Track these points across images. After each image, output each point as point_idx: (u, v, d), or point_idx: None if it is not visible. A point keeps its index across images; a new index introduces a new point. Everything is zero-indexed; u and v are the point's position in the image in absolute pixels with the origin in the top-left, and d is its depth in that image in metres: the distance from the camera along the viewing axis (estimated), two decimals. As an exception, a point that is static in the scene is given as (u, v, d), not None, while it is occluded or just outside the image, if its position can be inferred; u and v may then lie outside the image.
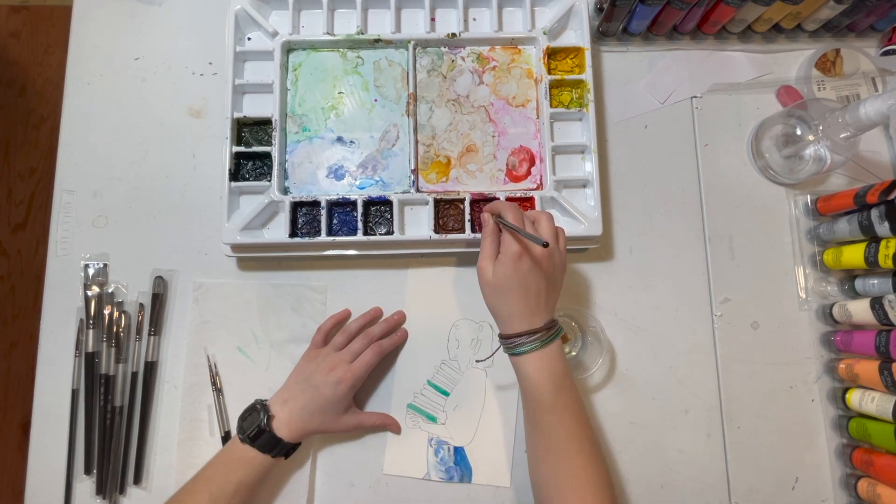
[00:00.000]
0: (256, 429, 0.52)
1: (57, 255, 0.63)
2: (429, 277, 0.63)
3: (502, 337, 0.52)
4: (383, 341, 0.59)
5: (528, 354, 0.49)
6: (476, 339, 0.62)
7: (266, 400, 0.56)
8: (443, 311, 0.63)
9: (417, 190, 0.61)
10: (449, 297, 0.63)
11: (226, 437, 0.60)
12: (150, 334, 0.61)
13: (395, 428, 0.60)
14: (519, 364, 0.51)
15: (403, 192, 0.61)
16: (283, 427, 0.53)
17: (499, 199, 0.60)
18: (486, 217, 0.53)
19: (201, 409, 0.60)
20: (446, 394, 0.61)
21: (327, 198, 0.60)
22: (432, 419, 0.61)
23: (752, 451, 0.61)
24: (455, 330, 0.62)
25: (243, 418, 0.54)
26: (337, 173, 0.63)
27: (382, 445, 0.60)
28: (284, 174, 0.62)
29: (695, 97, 0.68)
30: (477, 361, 0.59)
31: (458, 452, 0.60)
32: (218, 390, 0.60)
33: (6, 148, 1.41)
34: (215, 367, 0.61)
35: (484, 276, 0.51)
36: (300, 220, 0.61)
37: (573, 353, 0.61)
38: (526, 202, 0.61)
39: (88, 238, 0.63)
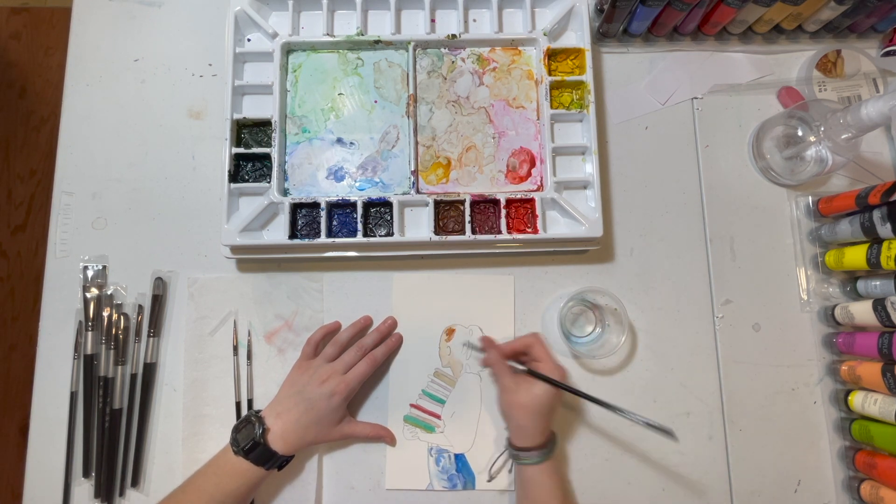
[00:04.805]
0: (251, 442, 0.52)
1: (56, 256, 0.63)
2: (414, 283, 0.63)
3: (519, 448, 0.55)
4: (376, 351, 0.59)
5: (541, 465, 0.54)
6: (467, 342, 0.62)
7: (260, 411, 0.55)
8: (431, 317, 0.62)
9: (417, 191, 0.61)
10: (435, 303, 0.63)
11: (249, 405, 0.60)
12: (149, 336, 0.61)
13: (391, 440, 0.59)
14: (532, 474, 0.54)
15: (403, 194, 0.61)
16: (277, 440, 0.53)
17: (499, 198, 0.60)
18: (494, 358, 0.57)
19: (204, 405, 0.60)
20: (442, 402, 0.61)
21: (327, 199, 0.60)
22: (430, 429, 0.60)
23: (753, 454, 0.61)
24: (445, 336, 0.62)
25: (237, 430, 0.53)
26: (337, 175, 0.62)
27: (383, 452, 0.60)
28: (284, 175, 0.62)
29: (695, 98, 0.68)
30: (488, 481, 0.59)
31: (459, 459, 0.60)
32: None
33: (6, 149, 1.41)
34: (249, 335, 0.61)
35: (520, 400, 0.54)
36: (300, 222, 0.61)
37: (598, 331, 0.61)
38: (526, 203, 0.61)
39: (88, 240, 0.63)
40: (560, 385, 0.53)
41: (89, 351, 0.60)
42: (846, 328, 0.61)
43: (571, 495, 0.58)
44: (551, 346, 0.60)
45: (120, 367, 0.60)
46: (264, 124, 0.62)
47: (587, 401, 0.54)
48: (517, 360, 0.58)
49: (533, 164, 0.63)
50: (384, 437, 0.59)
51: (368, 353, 0.59)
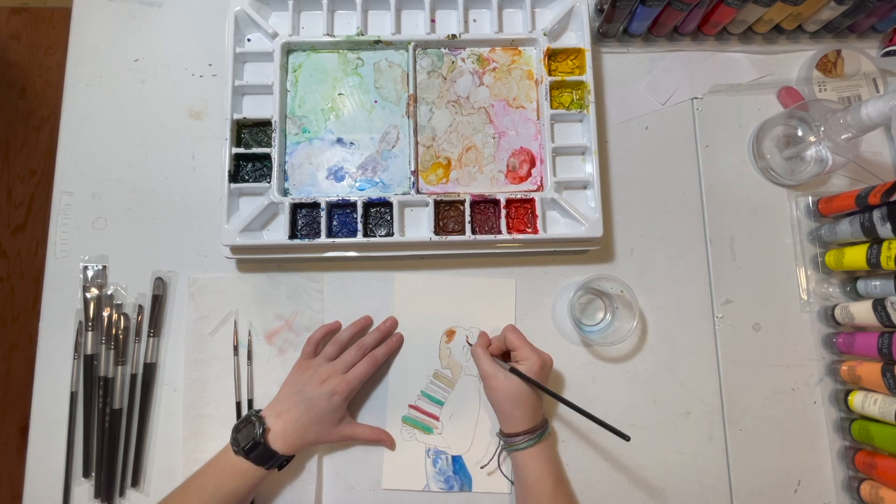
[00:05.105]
0: (251, 441, 0.52)
1: (56, 256, 0.63)
2: (415, 283, 0.63)
3: (507, 435, 0.55)
4: (377, 351, 0.59)
5: (530, 449, 0.54)
6: (466, 346, 0.62)
7: (261, 411, 0.55)
8: (432, 318, 0.62)
9: (417, 191, 0.61)
10: (437, 304, 0.63)
11: (249, 405, 0.60)
12: (149, 336, 0.61)
13: (390, 444, 0.59)
14: (523, 459, 0.55)
15: (403, 194, 0.61)
16: (278, 440, 0.53)
17: (499, 198, 0.60)
18: (479, 352, 0.57)
19: (204, 405, 0.60)
20: (441, 403, 0.61)
21: (327, 199, 0.60)
22: (428, 430, 0.60)
23: (753, 454, 0.61)
24: (445, 338, 0.62)
25: (238, 429, 0.53)
26: (337, 175, 0.62)
27: (382, 452, 0.60)
28: (284, 176, 0.62)
29: (695, 98, 0.68)
30: (481, 468, 0.59)
31: (457, 461, 0.60)
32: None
33: (6, 149, 1.41)
34: (249, 335, 0.61)
35: (502, 387, 0.55)
36: (300, 222, 0.61)
37: (608, 318, 0.62)
38: (526, 203, 0.61)
39: (88, 240, 0.63)
40: (535, 384, 0.54)
41: (89, 351, 0.60)
42: (846, 328, 0.61)
43: (565, 480, 0.58)
44: (562, 336, 0.62)
45: (120, 367, 0.60)
46: (264, 124, 0.62)
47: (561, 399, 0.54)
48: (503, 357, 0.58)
49: (533, 164, 0.63)
50: (384, 441, 0.59)
51: (369, 352, 0.59)
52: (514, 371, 0.55)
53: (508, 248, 0.62)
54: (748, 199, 0.66)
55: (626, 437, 0.51)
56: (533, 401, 0.55)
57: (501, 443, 0.57)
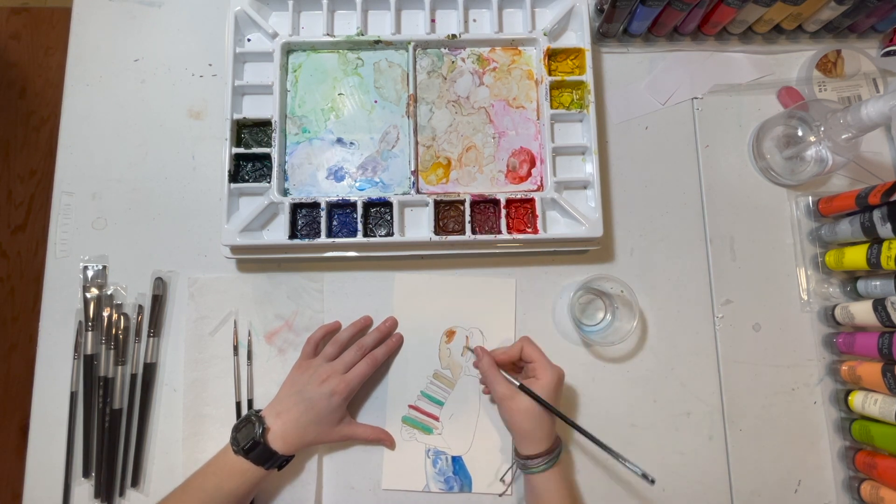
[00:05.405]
0: (251, 441, 0.52)
1: (56, 256, 0.63)
2: (415, 283, 0.63)
3: (525, 457, 0.54)
4: (377, 351, 0.59)
5: (549, 471, 0.53)
6: (466, 347, 0.62)
7: (260, 411, 0.55)
8: (431, 318, 0.62)
9: (417, 191, 0.61)
10: (437, 304, 0.63)
11: (249, 405, 0.60)
12: (149, 336, 0.61)
13: (390, 444, 0.59)
14: (541, 482, 0.53)
15: (403, 194, 0.61)
16: (277, 440, 0.53)
17: (499, 198, 0.60)
18: (486, 367, 0.56)
19: (204, 405, 0.60)
20: (441, 403, 0.61)
21: (327, 199, 0.60)
22: (428, 430, 0.60)
23: (754, 454, 0.61)
24: (445, 338, 0.62)
25: (237, 429, 0.53)
26: (337, 175, 0.62)
27: (382, 452, 0.60)
28: (284, 175, 0.62)
29: (696, 98, 0.68)
30: (499, 495, 0.59)
31: (457, 462, 0.60)
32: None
33: (6, 149, 1.41)
34: (249, 335, 0.61)
35: (522, 408, 0.53)
36: (300, 222, 0.61)
37: (608, 318, 0.61)
38: (526, 203, 0.61)
39: (88, 240, 0.63)
40: (552, 409, 0.53)
41: (89, 351, 0.60)
42: (846, 328, 0.61)
43: (580, 500, 0.59)
44: (563, 336, 0.61)
45: (120, 367, 0.60)
46: (264, 124, 0.62)
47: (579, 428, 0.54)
48: (512, 372, 0.57)
49: (533, 164, 0.63)
50: (384, 440, 0.59)
51: (368, 352, 0.59)
52: (524, 390, 0.53)
53: (508, 248, 0.62)
54: (748, 199, 0.66)
55: (650, 481, 0.50)
56: (551, 418, 0.54)
57: (517, 464, 0.56)
